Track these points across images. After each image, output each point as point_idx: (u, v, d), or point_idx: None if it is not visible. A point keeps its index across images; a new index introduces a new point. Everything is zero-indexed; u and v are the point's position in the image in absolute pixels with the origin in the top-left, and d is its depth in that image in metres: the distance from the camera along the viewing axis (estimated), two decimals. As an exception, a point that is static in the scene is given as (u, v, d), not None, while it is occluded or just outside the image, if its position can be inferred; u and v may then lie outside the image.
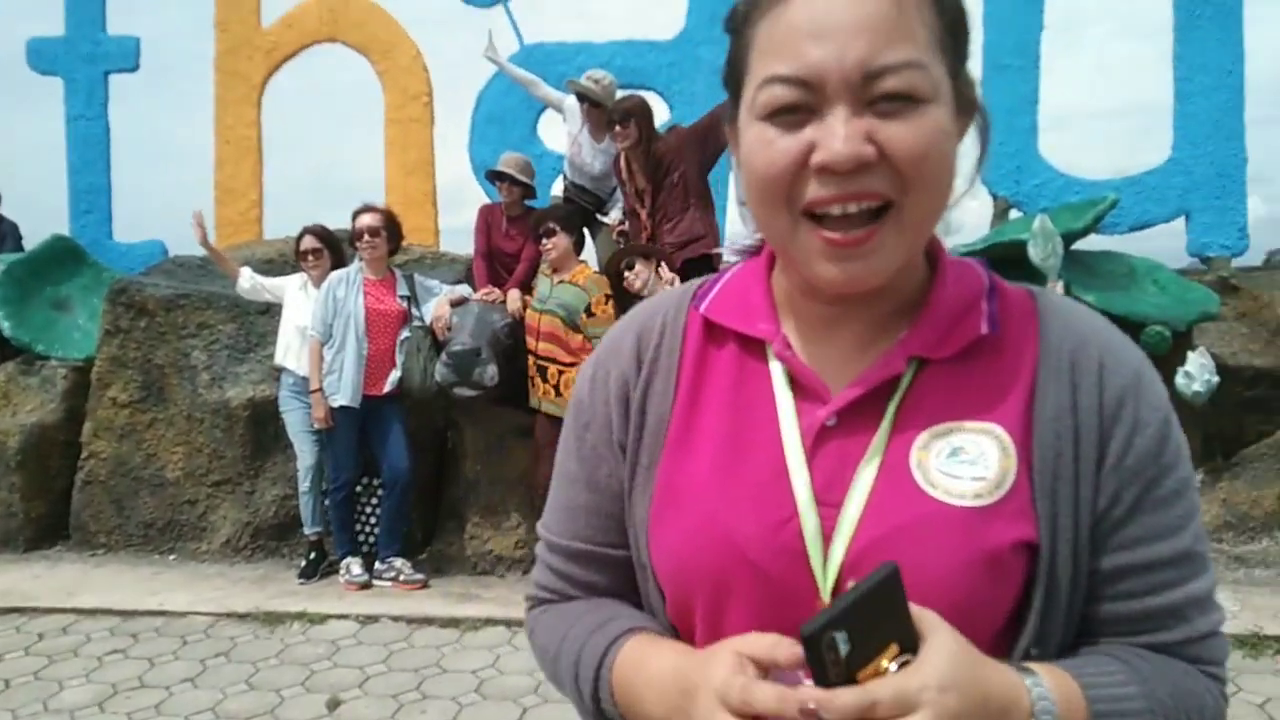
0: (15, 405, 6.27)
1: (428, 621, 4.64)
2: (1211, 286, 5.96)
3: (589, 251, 5.96)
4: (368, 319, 5.08)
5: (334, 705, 3.81)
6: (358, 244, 5.20)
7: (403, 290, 5.29)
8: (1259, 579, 4.82)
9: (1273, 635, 4.06)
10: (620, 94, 5.64)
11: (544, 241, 5.03)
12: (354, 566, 5.13)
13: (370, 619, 4.69)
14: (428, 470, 5.72)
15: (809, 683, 0.66)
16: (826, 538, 0.79)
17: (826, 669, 0.65)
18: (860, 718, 0.64)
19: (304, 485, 5.25)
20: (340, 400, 5.02)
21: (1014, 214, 6.92)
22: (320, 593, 5.06)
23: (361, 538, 5.41)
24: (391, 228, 5.28)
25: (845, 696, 0.64)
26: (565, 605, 0.96)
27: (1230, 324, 6.06)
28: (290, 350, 5.27)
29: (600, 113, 5.55)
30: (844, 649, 0.65)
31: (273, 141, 8.07)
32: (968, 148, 0.84)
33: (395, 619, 4.68)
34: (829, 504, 0.80)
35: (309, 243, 5.40)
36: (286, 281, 5.51)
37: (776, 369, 0.86)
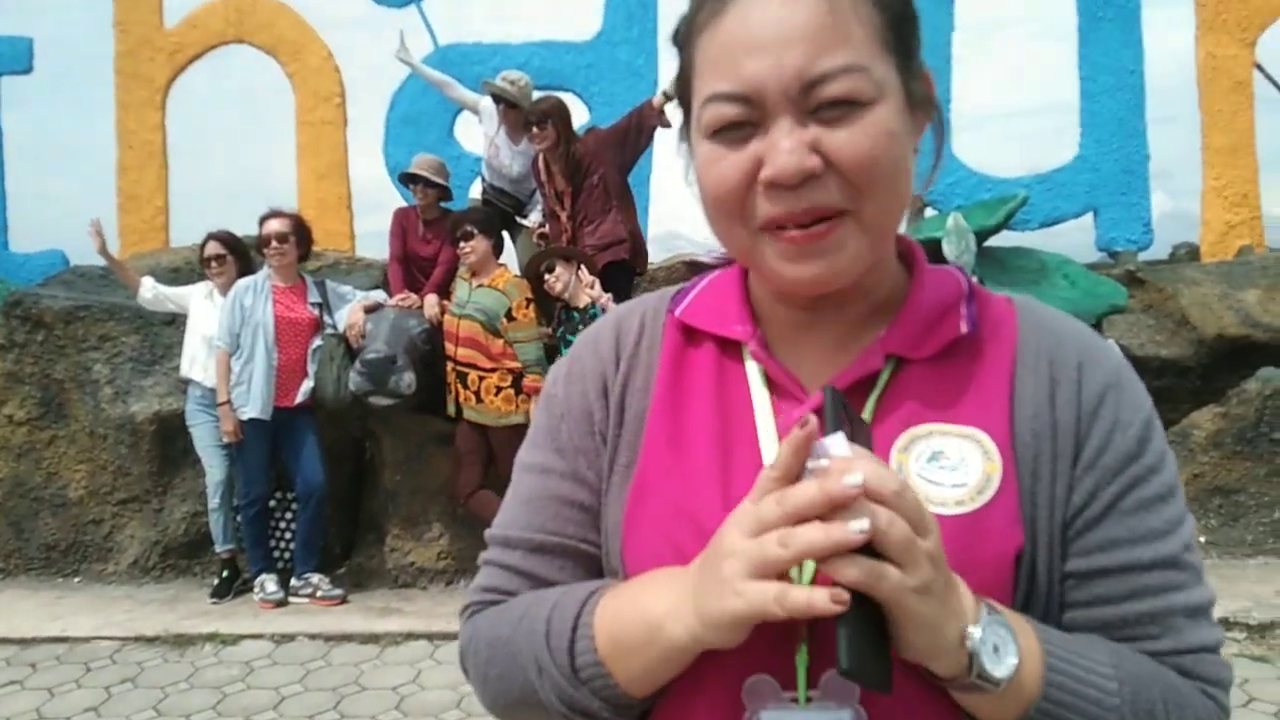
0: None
1: (346, 638, 4.51)
2: (1119, 280, 6.12)
3: (509, 254, 5.87)
4: (277, 328, 4.92)
5: (247, 729, 3.68)
6: (266, 250, 5.04)
7: (314, 297, 5.14)
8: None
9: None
10: (537, 95, 5.57)
11: (462, 245, 4.94)
12: (269, 584, 4.97)
13: (286, 638, 4.54)
14: (345, 482, 5.58)
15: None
16: None
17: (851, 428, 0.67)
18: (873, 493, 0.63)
19: (214, 501, 5.06)
20: (250, 413, 4.85)
21: (929, 212, 7.03)
22: (234, 612, 4.89)
23: (276, 554, 5.25)
24: (301, 233, 5.13)
25: (882, 467, 0.65)
26: (517, 598, 0.88)
27: (1137, 316, 6.24)
28: (196, 362, 5.09)
29: (517, 114, 5.48)
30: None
31: (180, 146, 7.80)
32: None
33: (312, 637, 4.54)
34: None
35: (213, 249, 5.22)
36: (191, 290, 5.32)
37: (753, 369, 0.84)
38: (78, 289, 6.24)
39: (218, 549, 5.14)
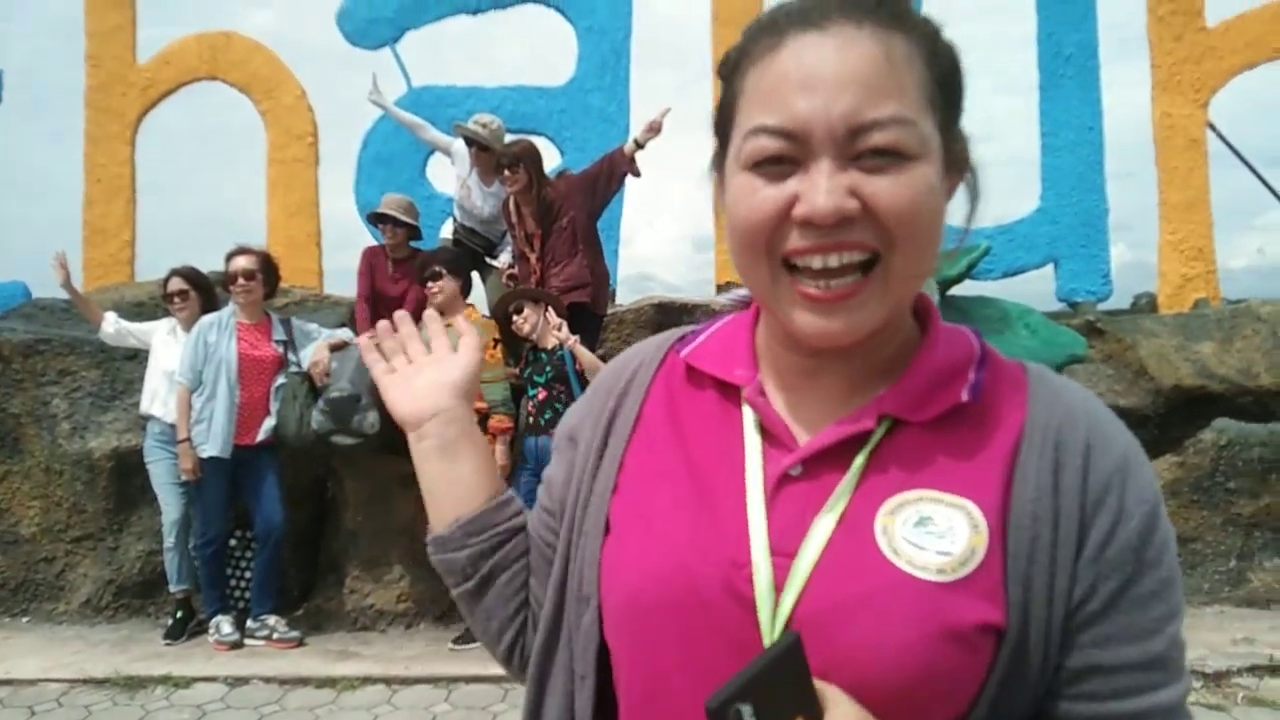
0: None
1: (303, 682, 4.43)
2: (1079, 330, 6.23)
3: (479, 295, 5.89)
4: (241, 365, 4.88)
5: (196, 776, 3.59)
6: (232, 288, 5.01)
7: (279, 335, 5.11)
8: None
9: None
10: (510, 139, 5.62)
11: (429, 285, 4.94)
12: (224, 625, 4.88)
13: (240, 680, 4.45)
14: (306, 522, 5.51)
15: None
16: (779, 587, 0.76)
17: None
18: None
19: (169, 540, 4.98)
20: (210, 450, 4.79)
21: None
22: (188, 654, 4.78)
23: (234, 594, 5.15)
24: (268, 270, 5.12)
25: None
26: None
27: (1097, 365, 6.35)
28: (157, 397, 5.03)
29: (489, 156, 5.52)
30: None
31: (151, 180, 7.77)
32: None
33: (267, 680, 4.45)
34: (783, 553, 0.77)
35: (175, 284, 5.19)
36: (154, 326, 5.27)
37: (748, 414, 0.85)
38: (38, 322, 6.16)
39: (172, 589, 5.04)
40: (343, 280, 7.95)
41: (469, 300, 5.19)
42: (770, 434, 0.84)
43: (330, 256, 7.73)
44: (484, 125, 5.53)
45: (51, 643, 4.97)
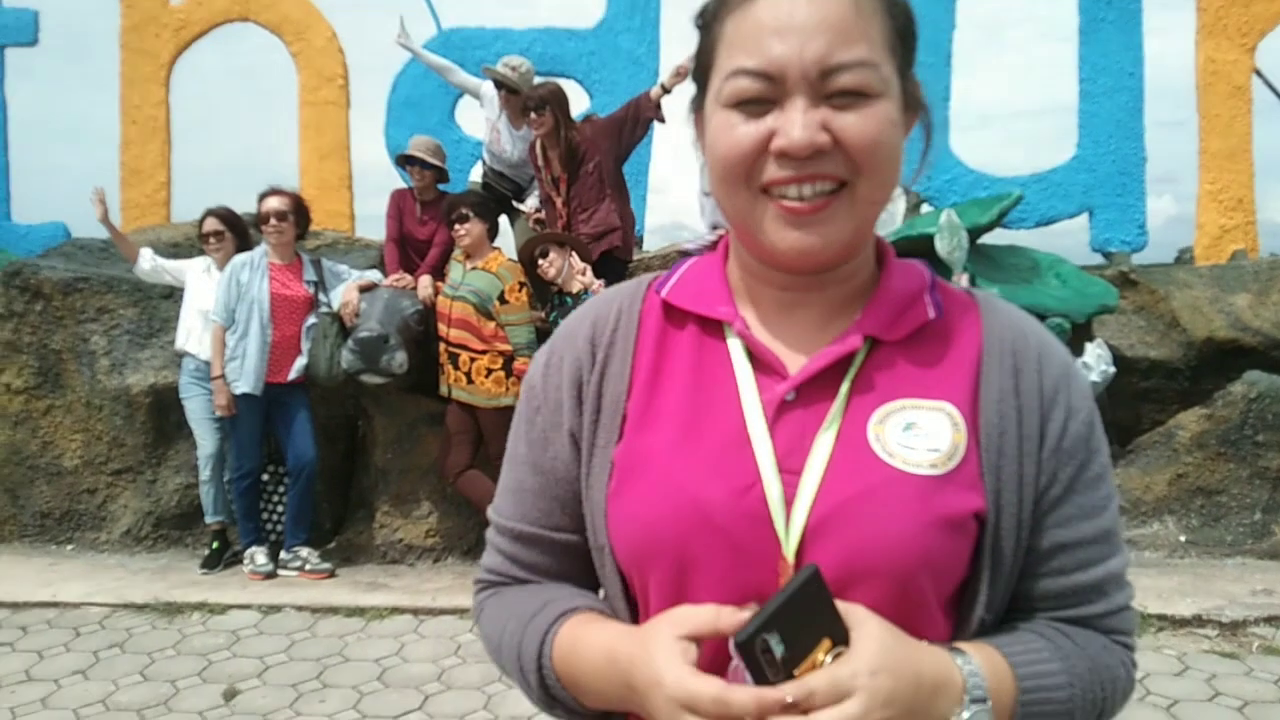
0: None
1: (333, 611, 4.58)
2: (1111, 281, 6.16)
3: (507, 238, 5.93)
4: (273, 304, 4.97)
5: (230, 695, 3.74)
6: (264, 228, 5.08)
7: (310, 275, 5.19)
8: (1147, 560, 5.01)
9: (1154, 614, 4.22)
10: (538, 81, 5.61)
11: (456, 227, 4.98)
12: (258, 556, 5.03)
13: (273, 608, 4.61)
14: (338, 459, 5.64)
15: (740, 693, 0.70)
16: (788, 503, 0.83)
17: (764, 671, 0.69)
18: (803, 710, 0.69)
19: (204, 474, 5.13)
20: (242, 387, 4.91)
21: (925, 209, 7.06)
22: (223, 583, 4.95)
23: (268, 527, 5.31)
24: (299, 212, 5.18)
25: (777, 694, 0.69)
26: (508, 591, 0.98)
27: (1128, 317, 6.28)
28: (192, 335, 5.14)
29: (518, 99, 5.52)
30: (779, 650, 0.69)
31: (185, 122, 7.84)
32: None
33: (299, 608, 4.60)
34: (790, 471, 0.84)
35: (211, 225, 5.27)
36: (189, 264, 5.37)
37: (736, 346, 0.90)
38: (77, 261, 6.30)
39: (208, 520, 5.20)
40: (375, 224, 8.01)
41: (495, 243, 5.23)
42: (761, 363, 0.89)
43: (364, 201, 7.78)
44: (513, 68, 5.52)
45: (95, 569, 5.16)
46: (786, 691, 0.69)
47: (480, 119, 6.22)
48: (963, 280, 5.75)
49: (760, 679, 0.69)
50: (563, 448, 0.94)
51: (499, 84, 5.61)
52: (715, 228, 4.77)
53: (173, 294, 5.56)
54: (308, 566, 5.02)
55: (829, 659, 0.71)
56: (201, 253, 5.44)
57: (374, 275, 5.35)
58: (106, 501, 5.63)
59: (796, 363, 0.89)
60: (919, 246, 5.84)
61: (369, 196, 5.70)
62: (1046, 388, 0.88)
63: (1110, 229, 7.00)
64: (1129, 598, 0.92)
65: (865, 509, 0.81)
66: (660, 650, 0.76)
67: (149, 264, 5.34)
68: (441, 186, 5.65)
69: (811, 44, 0.79)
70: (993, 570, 0.86)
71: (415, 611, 4.51)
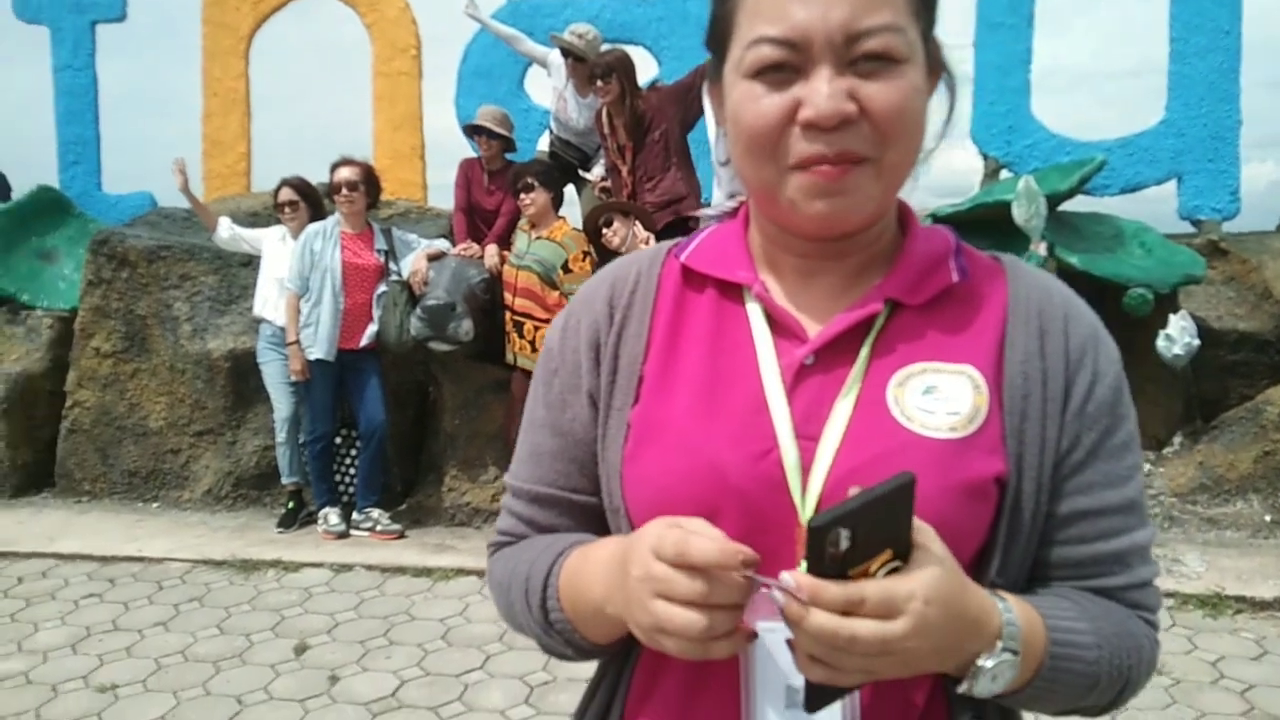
0: (2, 354, 6.32)
1: (401, 570, 4.70)
2: (1200, 250, 5.92)
3: (573, 207, 5.94)
4: (344, 273, 5.08)
5: (301, 650, 3.87)
6: (336, 198, 5.17)
7: (380, 244, 5.28)
8: (1229, 540, 4.83)
9: (1233, 595, 4.09)
10: (605, 48, 5.58)
11: (522, 197, 5.01)
12: (331, 516, 5.18)
13: (345, 567, 4.75)
14: (409, 424, 5.77)
15: (789, 575, 0.68)
16: (805, 468, 0.81)
17: (824, 561, 0.66)
18: (844, 612, 0.67)
19: (280, 436, 5.29)
20: (316, 354, 5.04)
21: (1004, 175, 6.86)
22: (298, 541, 5.11)
23: (341, 488, 5.46)
24: (370, 182, 5.25)
25: (835, 590, 0.67)
26: (521, 541, 0.98)
27: (1217, 287, 6.03)
28: (268, 302, 5.29)
29: (585, 67, 5.50)
30: (844, 545, 0.66)
31: (264, 94, 8.03)
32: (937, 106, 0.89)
33: (369, 568, 4.74)
34: (808, 436, 0.83)
35: (286, 194, 5.40)
36: (266, 233, 5.51)
37: (755, 310, 0.89)
38: (161, 229, 6.51)
39: (284, 481, 5.37)
40: (446, 193, 8.08)
41: (562, 212, 5.25)
42: (780, 326, 0.88)
43: (436, 170, 7.88)
44: (580, 35, 5.50)
45: (177, 526, 5.37)
46: (840, 591, 0.67)
47: (548, 88, 6.22)
48: (1040, 249, 5.58)
49: (814, 569, 0.67)
50: (581, 409, 0.94)
51: (566, 52, 5.60)
52: (733, 196, 4.71)
53: (251, 262, 5.72)
54: (378, 527, 5.15)
55: (883, 571, 0.69)
56: (278, 222, 5.57)
57: (442, 244, 5.42)
58: (189, 462, 5.85)
59: (816, 327, 0.87)
60: (995, 214, 5.68)
61: (441, 166, 5.75)
62: (1073, 350, 0.86)
63: (1200, 195, 6.70)
64: (1153, 573, 0.89)
65: (882, 474, 0.76)
66: (653, 523, 0.76)
67: (227, 233, 5.50)
68: (509, 156, 5.68)
69: (836, 9, 0.76)
70: (1009, 535, 0.83)
71: (480, 573, 4.60)
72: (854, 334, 0.85)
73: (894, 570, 0.69)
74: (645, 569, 0.73)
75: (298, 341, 5.08)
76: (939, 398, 0.83)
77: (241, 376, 5.74)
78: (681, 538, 0.71)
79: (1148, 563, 0.88)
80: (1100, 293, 5.94)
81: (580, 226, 5.26)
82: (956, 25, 7.03)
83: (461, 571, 4.65)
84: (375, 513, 5.21)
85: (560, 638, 0.91)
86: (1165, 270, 5.72)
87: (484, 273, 5.14)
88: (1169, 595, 4.16)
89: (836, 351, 0.85)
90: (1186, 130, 6.69)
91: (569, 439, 0.95)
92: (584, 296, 0.98)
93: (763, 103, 0.79)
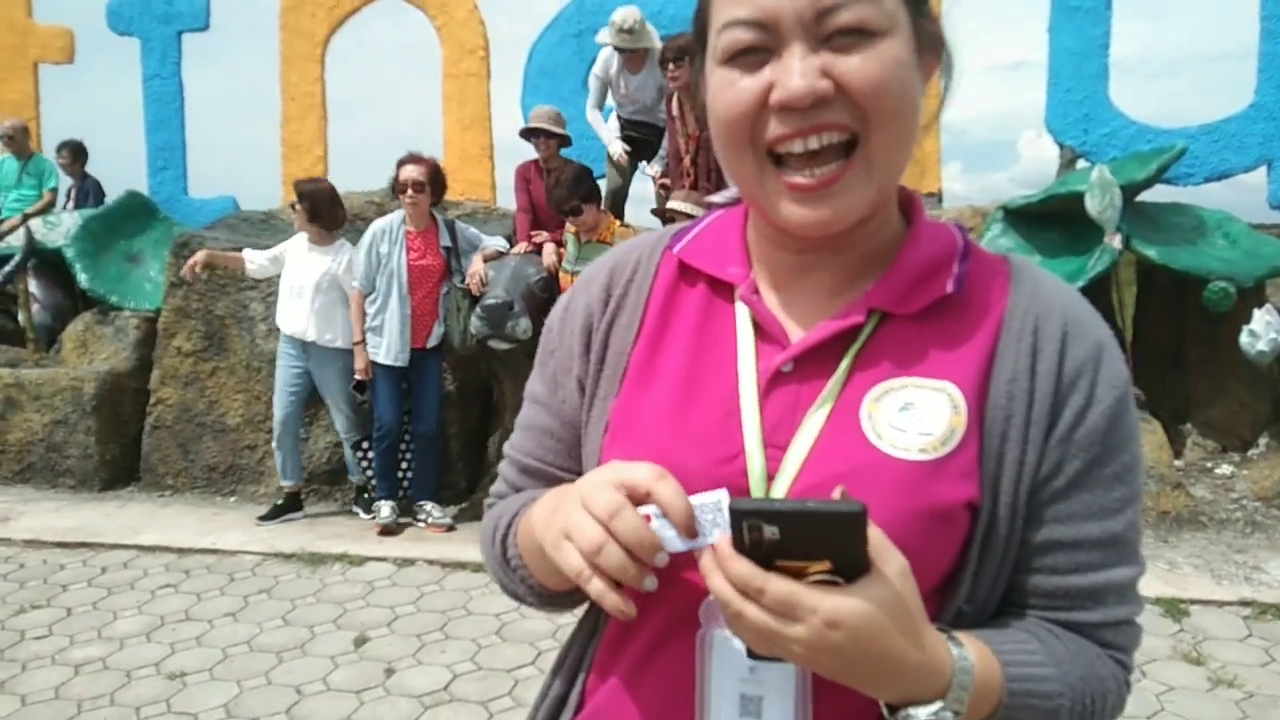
0: (91, 353, 6.63)
1: (461, 566, 4.78)
2: (1291, 240, 5.65)
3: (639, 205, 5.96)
4: (410, 275, 5.15)
5: (361, 642, 3.97)
6: (401, 197, 5.22)
7: (445, 240, 5.30)
8: (1316, 547, 4.60)
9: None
10: (677, 32, 5.56)
11: (569, 223, 5.10)
12: (384, 509, 5.30)
13: (407, 562, 4.85)
14: (473, 422, 5.86)
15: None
16: (770, 477, 0.80)
17: (745, 541, 0.66)
18: (744, 593, 0.66)
19: (275, 437, 5.42)
20: (382, 359, 5.14)
21: (1080, 164, 6.64)
22: (363, 536, 5.23)
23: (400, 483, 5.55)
24: (435, 180, 5.23)
25: (740, 568, 0.66)
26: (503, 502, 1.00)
27: (1309, 280, 5.74)
28: (288, 313, 5.31)
29: (635, 55, 5.55)
30: (770, 537, 0.65)
31: (337, 97, 8.24)
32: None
33: (430, 562, 4.83)
34: (776, 445, 0.81)
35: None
36: (285, 245, 5.52)
37: (741, 311, 0.87)
38: (240, 232, 6.74)
39: (282, 483, 5.51)
40: (511, 194, 8.20)
41: (605, 210, 5.29)
42: (763, 331, 0.86)
43: (505, 170, 7.97)
44: (629, 32, 5.53)
45: (251, 520, 5.55)
46: (745, 571, 0.66)
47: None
48: (1115, 241, 5.39)
49: (738, 544, 0.67)
50: (570, 393, 0.94)
51: (621, 51, 5.65)
52: None
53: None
54: (430, 520, 5.26)
55: (816, 579, 0.66)
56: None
57: (499, 243, 5.46)
58: (265, 458, 6.04)
59: (800, 332, 0.84)
60: (1069, 205, 5.51)
61: (509, 166, 5.80)
62: (1067, 369, 0.80)
63: (1293, 183, 6.39)
64: (1132, 613, 0.84)
65: (850, 491, 0.76)
66: (599, 470, 0.76)
67: (254, 264, 5.53)
68: (564, 152, 5.71)
69: None
70: (980, 562, 0.79)
71: (537, 570, 4.65)
72: (837, 342, 0.82)
73: (828, 583, 0.66)
74: (580, 485, 0.75)
75: (363, 341, 5.19)
76: (914, 416, 0.79)
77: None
78: (624, 465, 0.72)
79: (1127, 601, 0.83)
80: (1179, 286, 5.72)
81: (626, 220, 5.29)
82: (1032, 9, 6.82)
83: (519, 567, 4.71)
84: (429, 505, 5.31)
85: (516, 577, 0.92)
86: (1250, 262, 5.48)
87: (542, 271, 5.19)
88: (1245, 604, 3.99)
89: (817, 359, 0.82)
90: (1277, 114, 6.38)
91: (559, 419, 0.95)
92: (585, 278, 0.98)
93: (736, 88, 0.77)
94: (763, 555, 0.66)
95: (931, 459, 0.77)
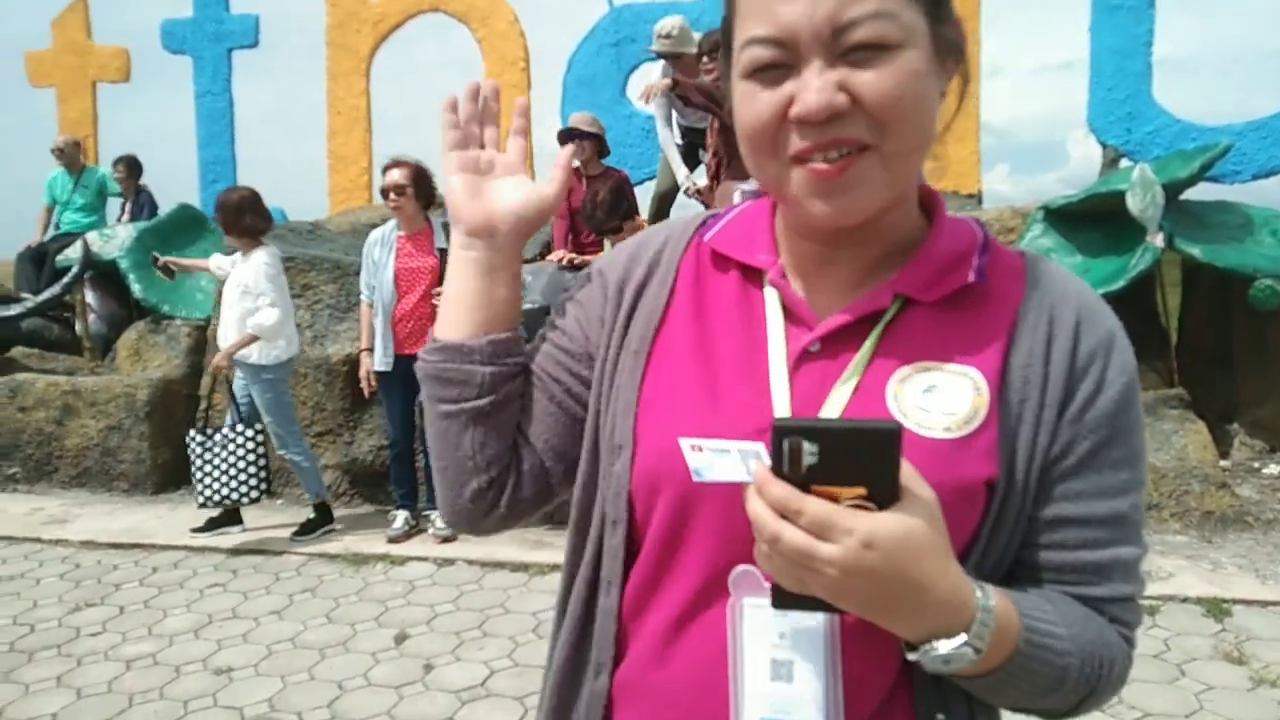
0: (145, 361, 6.83)
1: (500, 565, 4.85)
2: (1341, 238, 5.53)
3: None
4: (397, 278, 5.13)
5: (401, 640, 4.05)
6: (386, 201, 5.21)
7: (440, 242, 5.20)
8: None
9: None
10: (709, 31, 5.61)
11: (609, 241, 5.16)
12: (397, 520, 5.32)
13: (448, 561, 4.93)
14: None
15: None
16: None
17: (784, 464, 0.69)
18: (781, 514, 0.69)
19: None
20: (375, 365, 5.17)
21: (1123, 164, 6.56)
22: (407, 538, 5.32)
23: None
24: (419, 183, 5.17)
25: (779, 490, 0.69)
26: None
27: (1361, 278, 5.60)
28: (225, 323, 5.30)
29: (684, 61, 5.60)
30: (809, 460, 0.68)
31: (381, 110, 8.41)
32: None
33: (470, 562, 4.90)
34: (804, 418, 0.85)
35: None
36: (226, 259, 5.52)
37: (771, 295, 0.91)
38: (286, 242, 6.87)
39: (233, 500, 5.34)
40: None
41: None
42: (791, 314, 0.90)
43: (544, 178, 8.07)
44: (667, 36, 5.59)
45: (298, 521, 5.67)
46: (782, 493, 0.69)
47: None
48: (1157, 240, 5.32)
49: (777, 467, 0.69)
50: (591, 328, 0.99)
51: (663, 56, 5.70)
52: None
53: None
54: (433, 530, 5.26)
55: (849, 503, 0.69)
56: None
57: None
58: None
59: (828, 314, 0.88)
60: (1111, 205, 5.45)
61: (547, 174, 5.88)
62: (1080, 355, 0.85)
63: (1344, 180, 6.26)
64: (1136, 590, 0.88)
65: None
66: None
67: (214, 264, 5.59)
68: (604, 161, 5.78)
69: (821, 4, 0.77)
70: (991, 536, 0.83)
71: (574, 570, 4.71)
72: (861, 325, 0.86)
73: (860, 508, 0.69)
74: None
75: (370, 349, 5.20)
76: (938, 397, 0.83)
77: (357, 380, 5.99)
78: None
79: (1130, 579, 0.87)
80: (1225, 286, 5.63)
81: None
82: (1078, 8, 6.76)
83: (556, 568, 4.76)
84: (434, 515, 5.29)
85: (440, 355, 0.97)
86: (1299, 260, 5.37)
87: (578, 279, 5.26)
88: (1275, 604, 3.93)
89: (842, 340, 0.86)
90: (1328, 110, 6.26)
91: (570, 338, 0.99)
92: (619, 248, 1.03)
93: (758, 101, 0.81)
94: (800, 481, 0.69)
95: (956, 437, 0.81)
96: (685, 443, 0.82)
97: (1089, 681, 0.83)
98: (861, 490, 0.69)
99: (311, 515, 5.46)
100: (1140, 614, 0.89)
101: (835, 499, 0.69)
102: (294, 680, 3.72)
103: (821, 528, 0.68)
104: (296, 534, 5.39)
